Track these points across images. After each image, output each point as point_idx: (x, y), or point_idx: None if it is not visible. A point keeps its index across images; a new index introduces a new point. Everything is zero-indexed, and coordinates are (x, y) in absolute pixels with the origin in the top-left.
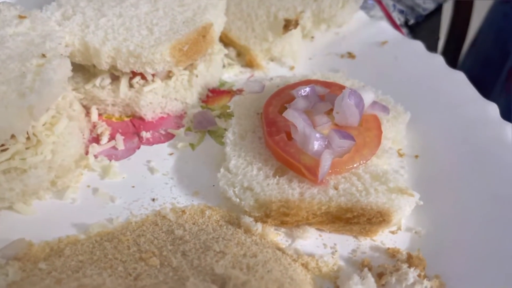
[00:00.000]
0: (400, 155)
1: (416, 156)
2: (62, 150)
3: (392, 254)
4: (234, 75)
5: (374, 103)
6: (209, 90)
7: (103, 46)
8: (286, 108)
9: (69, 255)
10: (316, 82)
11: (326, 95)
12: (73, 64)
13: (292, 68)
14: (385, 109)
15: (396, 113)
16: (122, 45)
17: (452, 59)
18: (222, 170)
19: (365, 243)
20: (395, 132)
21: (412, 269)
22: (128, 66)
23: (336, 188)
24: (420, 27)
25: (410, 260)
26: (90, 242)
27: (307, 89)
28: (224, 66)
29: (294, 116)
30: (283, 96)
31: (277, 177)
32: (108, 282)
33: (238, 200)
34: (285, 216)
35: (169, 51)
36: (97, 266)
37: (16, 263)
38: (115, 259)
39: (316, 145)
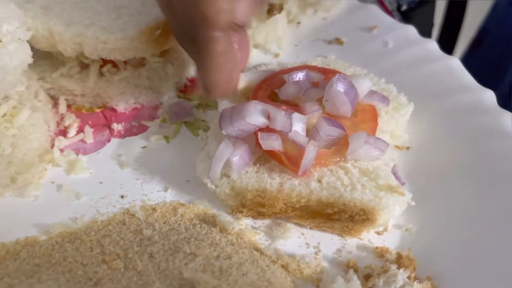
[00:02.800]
0: (399, 148)
1: (408, 148)
2: (23, 143)
3: (380, 253)
4: None
5: (373, 92)
6: (187, 79)
7: (68, 31)
8: (276, 94)
9: (25, 258)
10: (313, 68)
11: (321, 82)
12: (40, 51)
13: (277, 55)
14: (385, 99)
15: (398, 104)
16: (89, 30)
17: (448, 46)
18: (201, 154)
19: (351, 242)
20: (394, 125)
21: (401, 270)
22: (96, 53)
23: (319, 181)
24: (414, 13)
25: (399, 261)
26: (50, 243)
27: (300, 74)
28: None
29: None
30: (275, 81)
31: (257, 165)
32: None
33: (213, 186)
34: (261, 207)
35: (139, 36)
36: (54, 270)
37: None
38: (75, 262)
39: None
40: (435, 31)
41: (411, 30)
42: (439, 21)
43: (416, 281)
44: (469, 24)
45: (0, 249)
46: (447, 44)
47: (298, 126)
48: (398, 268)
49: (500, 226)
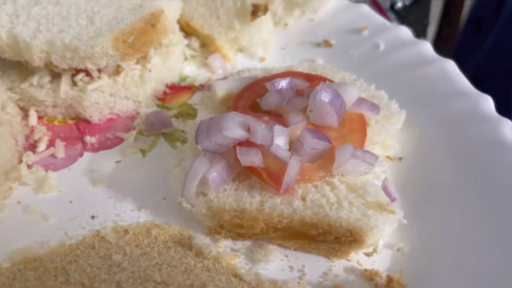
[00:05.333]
0: (391, 159)
1: (400, 158)
2: None
3: (369, 277)
4: (197, 68)
5: (361, 100)
6: (167, 86)
7: (34, 39)
8: (258, 104)
9: None
10: (298, 74)
11: (306, 90)
12: (8, 60)
13: (262, 59)
14: (374, 107)
15: (389, 112)
16: (57, 38)
17: (444, 47)
18: (176, 170)
19: (339, 263)
20: (385, 135)
21: None
22: (65, 62)
23: (303, 199)
24: (408, 12)
25: (390, 285)
26: (11, 271)
27: (283, 82)
28: (185, 58)
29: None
30: (256, 89)
31: (237, 182)
32: None
33: (189, 206)
34: (239, 228)
35: (111, 43)
36: None
37: None
38: None
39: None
40: (431, 30)
41: (404, 31)
42: (435, 20)
43: None
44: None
45: None
46: (444, 42)
47: (280, 139)
48: None
49: (500, 245)
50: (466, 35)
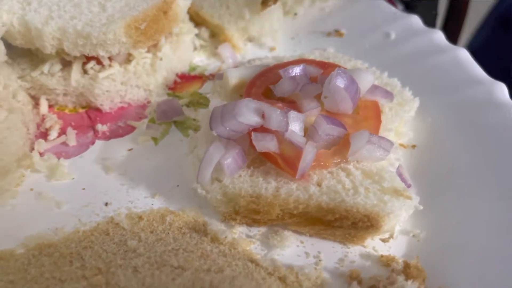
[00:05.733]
0: (404, 147)
1: (413, 146)
2: None
3: (386, 262)
4: (207, 58)
5: (375, 87)
6: (177, 75)
7: (46, 26)
8: (271, 91)
9: None
10: (311, 62)
11: (319, 76)
12: (19, 48)
13: (272, 49)
14: (388, 94)
15: (402, 99)
16: (69, 24)
17: (452, 36)
18: (190, 157)
19: (355, 249)
20: (399, 122)
21: (409, 282)
22: (77, 49)
23: (319, 185)
24: (417, 2)
25: (407, 271)
26: (26, 257)
27: (297, 69)
28: (195, 48)
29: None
30: (269, 76)
31: (251, 168)
32: None
33: (204, 192)
34: (255, 214)
35: (123, 30)
36: None
37: None
38: (53, 278)
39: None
40: (439, 20)
41: (415, 20)
42: (442, 10)
43: None
44: (473, 12)
45: None
46: (451, 33)
47: (295, 125)
48: (406, 279)
49: None
50: (491, 34)
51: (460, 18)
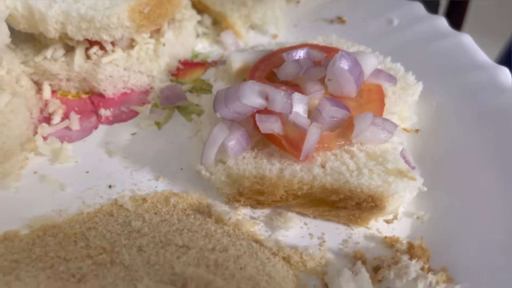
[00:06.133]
0: (407, 131)
1: (417, 130)
2: (3, 131)
3: (390, 243)
4: (209, 45)
5: (379, 71)
6: (180, 62)
7: (50, 10)
8: (274, 74)
9: (3, 253)
10: (315, 46)
11: (323, 60)
12: (22, 34)
13: (275, 36)
14: (392, 78)
15: (405, 83)
16: (72, 8)
17: (455, 25)
18: (194, 139)
19: (358, 231)
20: (402, 106)
21: (414, 261)
22: (81, 33)
23: (323, 166)
24: None
25: (411, 251)
26: (31, 237)
27: (301, 52)
28: (198, 35)
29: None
30: (273, 60)
31: (255, 150)
32: (42, 287)
33: (208, 174)
34: (259, 195)
35: (127, 13)
36: (34, 267)
37: None
38: (58, 257)
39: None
40: (441, 8)
41: (417, 6)
42: (444, 4)
43: (430, 272)
44: (475, 2)
45: None
46: (454, 21)
47: (299, 107)
48: (410, 259)
49: None
50: None
51: (462, 7)
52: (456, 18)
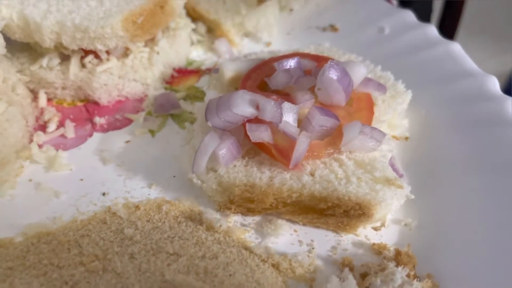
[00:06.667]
0: (397, 138)
1: (406, 138)
2: None
3: (377, 250)
4: (204, 53)
5: (368, 80)
6: (174, 69)
7: (45, 20)
8: (266, 83)
9: None
10: (305, 55)
11: (313, 69)
12: (18, 43)
13: (268, 44)
14: (381, 87)
15: (395, 92)
16: (67, 18)
17: (448, 33)
18: (186, 148)
19: (347, 238)
20: (392, 114)
21: (400, 268)
22: (75, 43)
23: (312, 174)
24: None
25: (398, 258)
26: (25, 245)
27: (291, 62)
28: (192, 43)
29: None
30: (264, 69)
31: (246, 158)
32: None
33: (199, 182)
34: (250, 203)
35: (121, 24)
36: (28, 274)
37: None
38: (51, 264)
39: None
40: (434, 17)
41: (408, 15)
42: (439, 7)
43: (416, 279)
44: (469, 9)
45: None
46: (447, 30)
47: (289, 116)
48: (397, 265)
49: (505, 220)
50: None
51: (456, 15)
52: (450, 23)
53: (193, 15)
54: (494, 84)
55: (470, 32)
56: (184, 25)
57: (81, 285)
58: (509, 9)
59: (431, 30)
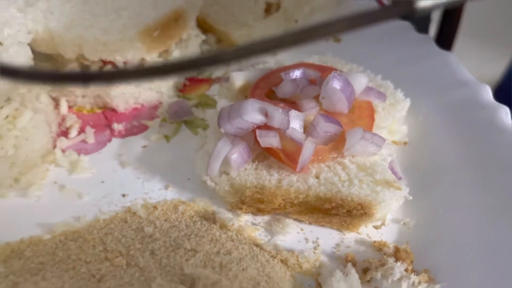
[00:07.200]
0: (396, 143)
1: (405, 143)
2: (26, 144)
3: (378, 247)
4: None
5: (369, 89)
6: (186, 78)
7: (68, 33)
8: (273, 92)
9: (30, 256)
10: (310, 65)
11: (317, 79)
12: (40, 54)
13: (275, 54)
14: (381, 95)
15: (394, 100)
16: (88, 32)
17: (446, 42)
18: (200, 152)
19: (350, 236)
20: (391, 121)
21: (398, 263)
22: (96, 54)
23: (317, 177)
24: None
25: (397, 254)
26: (54, 242)
27: (297, 72)
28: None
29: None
30: (272, 79)
31: (256, 162)
32: (67, 286)
33: (213, 184)
34: (260, 203)
35: (138, 37)
36: (58, 268)
37: None
38: (79, 259)
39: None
40: (433, 26)
41: (407, 26)
42: (437, 17)
43: (413, 273)
44: (467, 19)
45: (5, 248)
46: (445, 39)
47: (295, 123)
48: (396, 261)
49: (497, 220)
50: None
51: (454, 24)
52: (448, 30)
53: (203, 27)
54: (487, 93)
55: (469, 38)
56: (195, 36)
57: (107, 278)
58: (506, 15)
59: (428, 41)
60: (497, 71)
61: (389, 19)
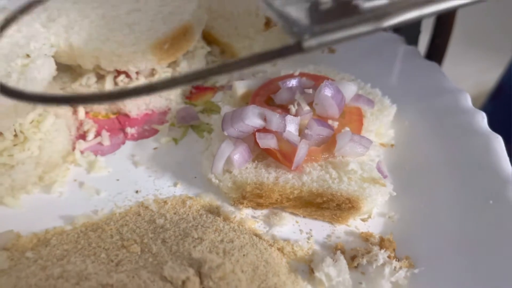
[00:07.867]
0: (384, 146)
1: (392, 145)
2: (49, 146)
3: (365, 238)
4: None
5: (359, 96)
6: (192, 86)
7: (87, 47)
8: (272, 99)
9: (55, 244)
10: (305, 75)
11: (312, 87)
12: (60, 64)
13: (274, 64)
14: (370, 102)
15: (382, 106)
16: (105, 45)
17: (438, 52)
18: (205, 153)
19: (340, 228)
20: (379, 125)
21: (382, 251)
22: (111, 65)
23: (310, 175)
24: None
25: (381, 243)
26: (76, 232)
27: (293, 81)
28: (207, 63)
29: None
30: (270, 87)
31: (256, 162)
32: (90, 268)
33: (217, 181)
34: (259, 198)
35: (150, 50)
36: (81, 254)
37: (5, 253)
38: (98, 247)
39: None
40: (425, 37)
41: (396, 39)
42: (430, 27)
43: (395, 259)
44: (463, 27)
45: (32, 238)
46: (437, 49)
47: (291, 126)
48: (380, 249)
49: (472, 214)
50: None
51: (446, 34)
52: (440, 40)
53: (208, 39)
54: (467, 100)
55: (465, 46)
56: (201, 48)
57: (124, 262)
58: (502, 23)
59: (416, 52)
60: (493, 78)
61: (283, 57)
